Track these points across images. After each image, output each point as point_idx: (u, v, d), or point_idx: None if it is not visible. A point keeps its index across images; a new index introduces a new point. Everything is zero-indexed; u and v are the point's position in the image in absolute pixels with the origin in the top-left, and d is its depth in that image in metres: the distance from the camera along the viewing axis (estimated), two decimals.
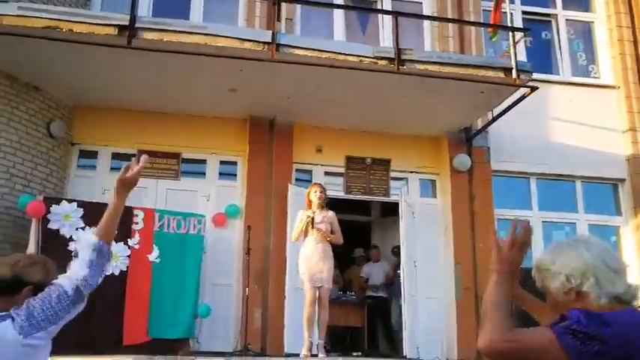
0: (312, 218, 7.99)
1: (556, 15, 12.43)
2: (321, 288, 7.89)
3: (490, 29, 10.37)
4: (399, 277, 9.97)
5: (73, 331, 7.65)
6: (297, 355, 7.98)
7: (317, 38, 9.31)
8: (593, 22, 12.59)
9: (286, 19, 10.56)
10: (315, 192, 8.17)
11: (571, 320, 1.97)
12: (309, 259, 7.92)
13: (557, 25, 12.38)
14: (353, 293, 10.98)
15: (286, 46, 8.33)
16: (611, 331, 1.92)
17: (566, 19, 12.45)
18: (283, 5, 10.03)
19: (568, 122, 11.41)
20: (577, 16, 12.59)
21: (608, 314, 1.98)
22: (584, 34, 12.58)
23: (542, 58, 11.95)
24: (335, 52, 8.44)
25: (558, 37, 12.31)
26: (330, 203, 8.54)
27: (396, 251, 11.63)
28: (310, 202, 8.19)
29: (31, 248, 8.00)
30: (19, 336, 2.32)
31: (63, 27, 7.74)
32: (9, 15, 7.67)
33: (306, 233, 8.04)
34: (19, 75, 8.93)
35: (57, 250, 8.06)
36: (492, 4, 10.17)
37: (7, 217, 8.63)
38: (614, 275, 2.10)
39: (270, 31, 8.42)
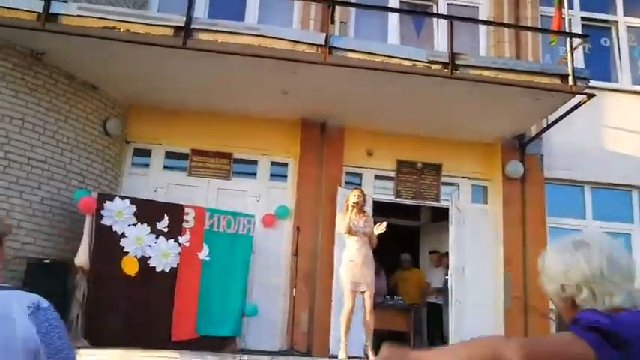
0: (357, 204, 7.99)
1: (616, 21, 12.14)
2: (365, 293, 7.85)
3: (551, 36, 10.19)
4: (446, 282, 9.89)
5: (122, 323, 7.92)
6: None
7: (370, 41, 9.26)
8: None
9: (340, 22, 10.57)
10: (355, 195, 8.14)
11: (587, 320, 1.85)
12: (353, 265, 7.87)
13: (617, 32, 12.09)
14: (400, 297, 10.92)
15: (339, 49, 8.33)
16: (628, 330, 1.81)
17: (627, 26, 12.16)
18: (338, 8, 10.07)
19: (625, 131, 11.14)
20: (638, 22, 12.27)
21: (618, 315, 1.87)
22: None
23: (600, 65, 11.69)
24: (388, 56, 8.40)
25: (618, 44, 12.02)
26: (380, 207, 8.51)
27: (435, 256, 11.60)
28: (348, 205, 8.14)
29: (85, 243, 8.18)
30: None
31: (120, 27, 7.89)
32: (69, 15, 7.86)
33: (350, 231, 8.00)
34: (77, 74, 9.14)
35: (109, 245, 8.29)
36: (552, 10, 10.01)
37: (62, 212, 8.84)
38: (612, 287, 1.96)
39: (324, 34, 8.43)
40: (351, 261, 7.89)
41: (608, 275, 1.97)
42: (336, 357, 8.06)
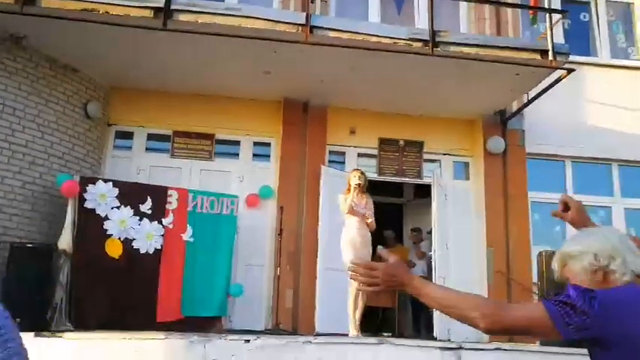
0: (359, 185, 8.01)
1: None
2: None
3: (530, 12, 10.22)
4: (430, 258, 9.97)
5: (107, 306, 7.93)
6: (329, 334, 8.03)
7: (351, 20, 9.25)
8: (633, 3, 12.32)
9: (321, 0, 10.53)
10: (355, 176, 8.13)
11: (563, 294, 2.10)
12: (353, 245, 7.88)
13: (597, 7, 12.14)
14: None
15: (320, 28, 8.32)
16: (598, 306, 2.02)
17: (606, 0, 12.21)
18: None
19: (605, 105, 11.23)
20: None
21: (602, 292, 2.09)
22: (624, 15, 12.33)
23: (580, 40, 11.75)
24: (369, 34, 8.41)
25: (597, 19, 12.08)
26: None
27: (414, 234, 11.68)
28: (350, 186, 8.14)
29: (68, 227, 8.17)
30: None
31: (99, 9, 7.83)
32: None
33: (351, 211, 8.00)
34: (57, 57, 9.07)
35: (93, 228, 8.29)
36: None
37: (45, 196, 8.82)
38: (635, 257, 2.21)
39: (304, 13, 8.41)
40: (351, 241, 7.89)
41: (631, 246, 2.24)
42: (321, 334, 8.13)
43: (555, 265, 2.36)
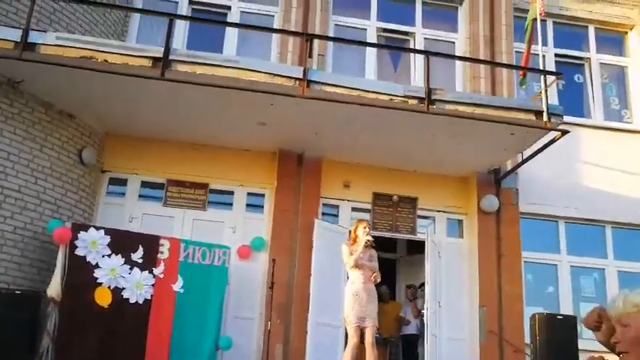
0: (369, 241, 7.84)
1: (589, 58, 12.39)
2: (368, 328, 7.70)
3: (521, 73, 10.35)
4: (423, 316, 9.87)
5: (94, 355, 7.78)
6: None
7: (348, 76, 9.32)
8: (627, 66, 12.53)
9: (319, 54, 10.66)
10: (365, 228, 7.85)
11: None
12: (359, 299, 7.68)
13: (591, 69, 12.33)
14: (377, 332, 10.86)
15: (317, 82, 8.37)
16: None
17: (600, 63, 12.41)
18: (316, 42, 10.18)
19: (599, 167, 11.31)
20: (611, 60, 12.53)
21: None
22: (618, 78, 12.52)
23: (574, 101, 11.90)
24: (365, 90, 8.45)
25: (591, 81, 12.26)
26: None
27: (410, 290, 11.63)
28: (356, 237, 7.84)
29: (58, 274, 8.07)
30: None
31: (98, 57, 7.87)
32: (47, 44, 7.83)
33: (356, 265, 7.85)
34: (54, 102, 9.09)
35: (83, 276, 8.19)
36: (524, 46, 10.19)
37: (35, 242, 8.73)
38: None
39: (302, 67, 8.48)
40: (357, 295, 7.65)
41: None
42: None
43: (621, 305, 2.27)
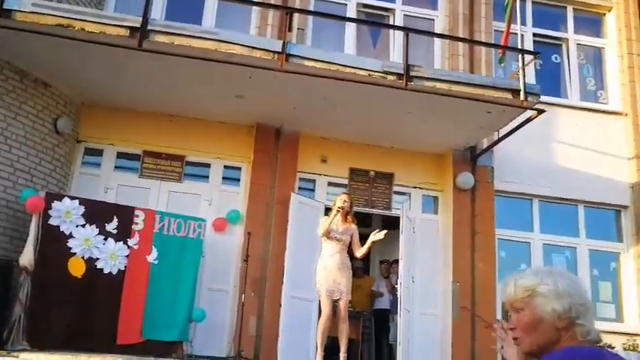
0: (342, 208, 7.90)
1: (567, 39, 12.45)
2: (339, 300, 7.77)
3: (500, 51, 10.39)
4: (396, 291, 9.96)
5: (66, 326, 7.77)
6: None
7: (327, 50, 9.28)
8: (604, 47, 12.61)
9: (298, 28, 10.61)
10: (341, 199, 8.02)
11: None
12: (327, 271, 7.76)
13: (568, 49, 12.40)
14: (350, 305, 10.97)
15: (296, 56, 8.34)
16: None
17: (577, 44, 12.48)
18: (296, 15, 10.12)
19: (574, 146, 11.43)
20: (588, 41, 12.60)
21: (562, 356, 2.01)
22: (595, 59, 12.60)
23: (551, 81, 11.99)
24: (344, 65, 8.44)
25: (568, 61, 12.33)
26: None
27: (384, 265, 11.75)
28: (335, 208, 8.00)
29: (31, 243, 8.02)
30: None
31: (75, 25, 7.77)
32: (22, 11, 7.70)
33: (327, 235, 7.88)
34: (29, 70, 8.97)
35: (56, 246, 8.13)
36: (504, 25, 10.21)
37: (7, 211, 8.66)
38: (592, 316, 2.15)
39: (281, 41, 8.43)
40: (325, 267, 7.78)
41: (592, 307, 2.15)
42: None
43: (512, 290, 2.23)
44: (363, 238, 8.11)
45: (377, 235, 7.86)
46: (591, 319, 2.11)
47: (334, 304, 7.79)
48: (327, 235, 7.82)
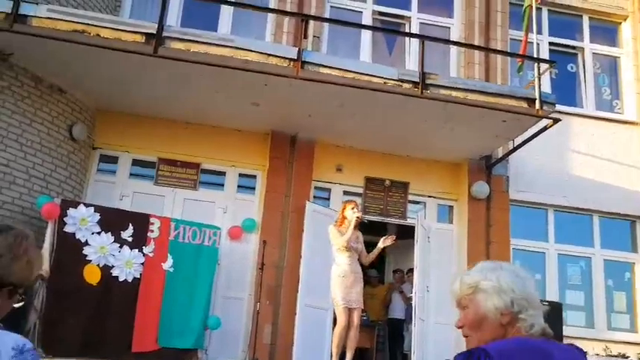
0: (359, 218, 7.85)
1: (583, 48, 12.41)
2: (355, 309, 7.74)
3: (518, 60, 10.35)
4: (411, 300, 9.91)
5: (81, 333, 7.73)
6: None
7: (342, 58, 9.29)
8: (619, 57, 12.55)
9: (314, 36, 10.61)
10: (353, 209, 7.88)
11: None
12: (345, 281, 7.70)
13: (584, 59, 12.35)
14: (364, 314, 10.92)
15: (311, 63, 8.32)
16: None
17: (593, 53, 12.43)
18: (311, 23, 10.11)
19: (589, 156, 11.37)
20: (603, 50, 12.55)
21: (496, 345, 1.97)
22: (610, 68, 12.55)
23: (566, 90, 11.93)
24: (359, 73, 8.42)
25: (584, 71, 12.28)
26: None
27: (397, 275, 11.70)
28: (344, 218, 7.90)
29: (46, 250, 8.00)
30: None
31: (91, 31, 7.77)
32: (38, 17, 7.71)
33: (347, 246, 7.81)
34: (44, 76, 8.97)
35: (71, 253, 8.13)
36: (521, 33, 10.19)
37: (23, 218, 8.64)
38: (540, 311, 2.11)
39: (297, 48, 8.42)
40: (343, 277, 7.69)
41: (538, 301, 2.13)
42: None
43: (458, 287, 2.20)
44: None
45: (386, 241, 7.83)
46: (535, 314, 2.08)
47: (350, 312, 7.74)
48: (347, 246, 7.76)
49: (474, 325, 2.13)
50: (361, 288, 7.88)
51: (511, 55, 11.02)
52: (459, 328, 2.20)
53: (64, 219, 8.20)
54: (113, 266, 8.30)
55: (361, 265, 8.00)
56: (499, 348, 1.95)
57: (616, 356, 10.00)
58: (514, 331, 2.06)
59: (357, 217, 7.83)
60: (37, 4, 7.98)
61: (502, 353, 1.92)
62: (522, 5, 10.23)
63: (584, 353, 2.21)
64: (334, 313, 8.01)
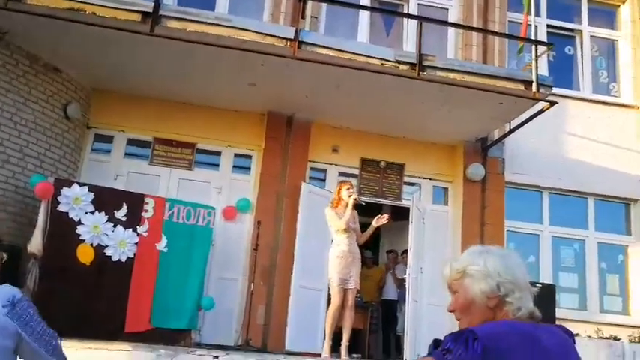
0: (357, 200, 7.94)
1: (580, 31, 12.35)
2: (350, 290, 7.79)
3: (519, 42, 10.30)
4: (405, 281, 9.94)
5: (74, 313, 7.72)
6: (299, 353, 7.97)
7: (340, 38, 9.23)
8: (617, 40, 12.51)
9: (311, 16, 10.53)
10: (349, 190, 8.00)
11: (444, 344, 2.02)
12: (343, 261, 7.76)
13: (582, 41, 12.31)
14: (359, 295, 10.95)
15: (308, 44, 8.27)
16: (480, 349, 1.94)
17: (591, 36, 12.38)
18: (309, 3, 10.03)
19: (585, 139, 11.37)
20: (602, 33, 12.50)
21: (485, 332, 2.00)
22: (608, 51, 12.51)
23: (563, 72, 11.91)
24: (356, 54, 8.38)
25: (581, 53, 12.24)
26: None
27: (391, 255, 11.72)
28: (340, 199, 8.01)
29: (39, 229, 7.98)
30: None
31: (87, 9, 7.68)
32: None
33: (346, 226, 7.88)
34: (39, 55, 8.91)
35: (65, 232, 8.10)
36: (521, 16, 10.15)
37: (16, 197, 8.63)
38: (529, 294, 2.17)
39: (294, 28, 8.38)
40: (342, 257, 7.77)
41: (528, 283, 2.19)
42: (292, 354, 8.04)
43: (448, 272, 2.27)
44: None
45: (380, 220, 7.88)
46: (523, 297, 2.14)
47: (345, 293, 7.79)
48: (348, 227, 7.82)
49: (464, 308, 2.20)
50: (359, 269, 7.96)
51: (509, 37, 10.97)
52: (451, 312, 2.27)
53: (58, 198, 8.15)
54: (107, 246, 8.27)
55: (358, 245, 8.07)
56: (487, 330, 2.01)
57: (607, 338, 10.08)
58: (502, 314, 2.13)
59: (355, 199, 7.88)
60: None
61: (489, 335, 1.97)
62: None
63: (573, 335, 2.30)
64: (329, 294, 8.05)
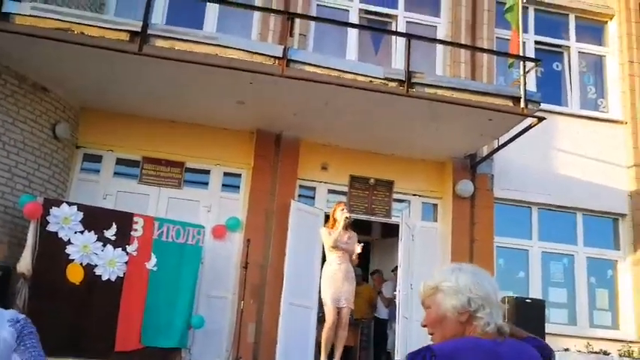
0: (348, 218, 8.04)
1: (568, 47, 12.43)
2: (343, 309, 7.82)
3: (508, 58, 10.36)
4: (393, 300, 9.94)
5: (65, 333, 7.68)
6: None
7: (328, 56, 9.26)
8: (605, 56, 12.59)
9: (300, 34, 10.57)
10: (343, 210, 8.12)
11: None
12: (334, 280, 7.83)
13: (569, 57, 12.39)
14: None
15: (297, 62, 8.30)
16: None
17: (579, 52, 12.45)
18: (297, 21, 10.07)
19: (573, 155, 11.42)
20: (589, 49, 12.58)
21: (444, 346, 2.10)
22: (596, 67, 12.59)
23: (551, 88, 11.97)
24: (345, 72, 8.40)
25: (569, 69, 12.32)
26: None
27: (376, 275, 11.74)
28: (335, 220, 8.13)
29: (29, 249, 7.95)
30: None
31: (75, 29, 7.71)
32: (21, 15, 7.65)
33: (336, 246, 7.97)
34: (27, 74, 8.90)
35: (54, 252, 8.08)
36: (509, 32, 10.22)
37: (5, 217, 8.58)
38: (499, 310, 2.25)
39: (282, 46, 8.41)
40: (332, 277, 7.85)
41: (498, 299, 2.28)
42: None
43: (422, 290, 2.35)
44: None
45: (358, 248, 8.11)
46: (493, 313, 2.21)
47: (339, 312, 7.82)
48: (335, 245, 7.86)
49: (436, 323, 2.27)
50: (352, 288, 7.98)
51: (497, 53, 11.05)
52: (424, 327, 2.34)
53: (47, 218, 8.14)
54: (96, 265, 8.25)
55: None
56: (446, 348, 2.09)
57: (597, 353, 10.09)
58: (472, 328, 2.19)
59: (346, 218, 7.94)
60: (20, 1, 7.91)
61: (448, 354, 2.05)
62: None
63: (550, 350, 2.43)
64: (319, 312, 8.06)
